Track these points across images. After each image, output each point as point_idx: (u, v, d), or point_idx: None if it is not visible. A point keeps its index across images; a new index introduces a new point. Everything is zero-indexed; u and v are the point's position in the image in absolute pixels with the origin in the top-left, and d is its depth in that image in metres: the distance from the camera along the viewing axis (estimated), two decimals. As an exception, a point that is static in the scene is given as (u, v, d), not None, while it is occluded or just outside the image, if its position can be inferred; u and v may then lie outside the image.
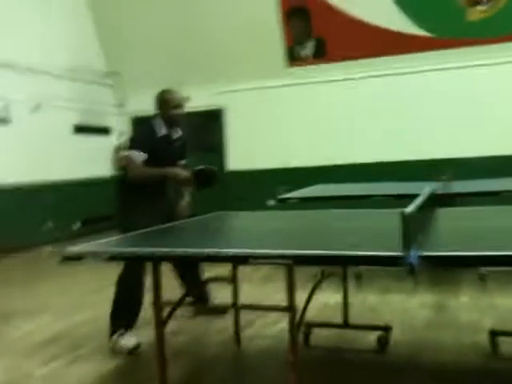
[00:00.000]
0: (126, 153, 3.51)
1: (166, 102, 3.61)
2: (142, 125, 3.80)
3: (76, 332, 3.78)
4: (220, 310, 3.91)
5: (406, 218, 1.86)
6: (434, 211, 3.17)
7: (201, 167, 3.67)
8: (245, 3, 8.61)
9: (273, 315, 3.73)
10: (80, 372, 3.04)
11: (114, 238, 2.81)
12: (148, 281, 2.95)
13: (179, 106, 3.63)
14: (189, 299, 3.63)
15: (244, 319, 3.49)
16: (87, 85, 9.50)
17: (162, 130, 3.61)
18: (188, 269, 3.82)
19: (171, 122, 3.64)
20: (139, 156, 3.45)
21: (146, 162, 3.49)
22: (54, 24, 8.72)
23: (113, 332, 3.38)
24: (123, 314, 3.41)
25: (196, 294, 3.90)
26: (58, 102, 8.73)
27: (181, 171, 3.63)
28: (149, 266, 2.99)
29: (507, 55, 7.65)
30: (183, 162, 3.86)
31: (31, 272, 6.20)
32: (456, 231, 2.71)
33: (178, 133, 3.74)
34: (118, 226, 3.55)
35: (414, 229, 2.02)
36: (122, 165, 3.53)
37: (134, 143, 3.55)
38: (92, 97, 9.61)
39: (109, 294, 3.85)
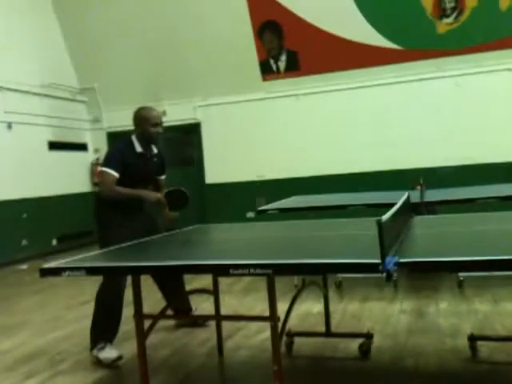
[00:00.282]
0: (101, 169, 3.50)
1: (144, 119, 3.60)
2: (119, 141, 3.76)
3: (56, 348, 3.73)
4: (201, 322, 3.90)
5: (381, 226, 1.89)
6: (409, 219, 3.23)
7: (170, 189, 3.68)
8: (219, 18, 8.70)
9: (255, 326, 3.73)
10: (60, 388, 3.00)
11: (93, 252, 2.80)
12: (129, 294, 2.94)
13: (157, 124, 3.61)
14: (170, 311, 3.61)
15: (226, 330, 3.49)
16: (61, 101, 9.46)
17: (138, 148, 3.59)
18: (169, 281, 3.81)
19: (148, 140, 3.62)
20: (112, 174, 3.42)
21: (122, 178, 3.46)
22: (26, 41, 8.67)
23: (93, 346, 3.36)
24: (103, 328, 3.39)
25: (177, 305, 3.88)
26: (33, 119, 8.67)
27: (152, 193, 3.60)
28: (129, 280, 2.99)
29: (475, 65, 7.86)
30: (163, 177, 3.86)
31: (8, 289, 6.10)
32: (432, 238, 2.76)
33: (154, 150, 3.73)
34: (98, 241, 3.54)
35: (390, 236, 2.06)
36: (98, 181, 3.52)
37: (109, 160, 3.51)
38: (67, 113, 9.56)
39: (87, 309, 3.81)
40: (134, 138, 3.63)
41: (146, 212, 3.75)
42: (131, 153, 3.55)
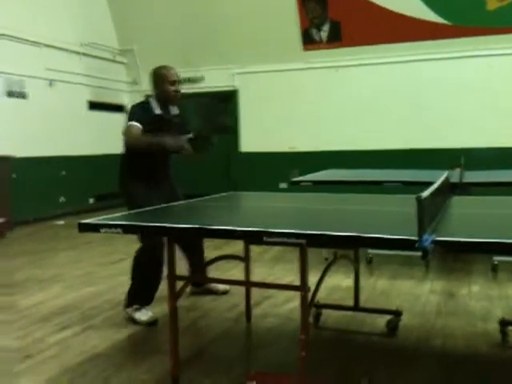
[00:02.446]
0: (126, 124, 3.47)
1: (161, 78, 3.56)
2: (136, 103, 3.73)
3: (88, 303, 3.84)
4: (218, 293, 3.95)
5: (421, 203, 1.85)
6: (448, 199, 3.17)
7: (194, 134, 3.61)
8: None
9: (282, 295, 3.76)
10: (92, 341, 3.09)
11: (129, 211, 2.84)
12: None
13: (175, 81, 3.56)
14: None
15: (254, 298, 3.52)
16: (101, 61, 9.53)
17: (156, 110, 3.55)
18: (192, 250, 3.84)
19: (166, 100, 3.58)
20: (137, 126, 3.40)
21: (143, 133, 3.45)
22: (69, 0, 8.69)
23: (129, 305, 3.43)
24: (141, 292, 3.43)
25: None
26: (73, 78, 8.77)
27: (174, 141, 3.46)
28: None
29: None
30: (189, 135, 3.78)
31: (44, 244, 6.29)
32: (470, 218, 2.70)
33: (174, 110, 3.69)
34: (126, 204, 3.56)
35: (428, 214, 2.02)
36: (122, 134, 3.47)
37: (132, 115, 3.48)
38: (106, 74, 9.64)
39: (120, 267, 3.90)
40: (151, 99, 3.59)
41: (170, 180, 3.75)
42: (150, 115, 3.51)
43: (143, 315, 3.37)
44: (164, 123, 3.59)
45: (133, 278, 3.46)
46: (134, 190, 3.53)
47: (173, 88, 3.56)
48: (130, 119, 3.46)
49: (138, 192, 3.49)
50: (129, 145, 3.46)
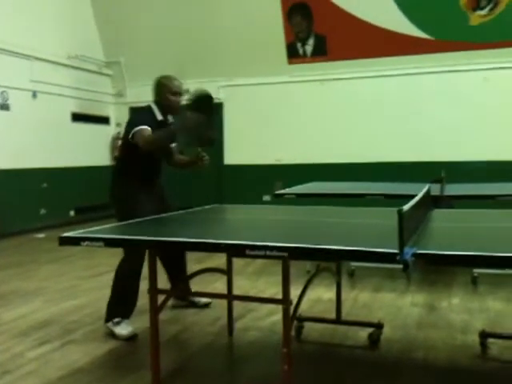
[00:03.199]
0: (136, 129, 3.40)
1: (164, 87, 3.57)
2: (139, 109, 3.73)
3: (69, 317, 3.80)
4: (200, 305, 3.94)
5: (402, 216, 1.87)
6: (429, 211, 3.20)
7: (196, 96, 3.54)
8: (248, -2, 8.61)
9: (265, 308, 3.76)
10: (72, 355, 3.05)
11: (111, 225, 2.83)
12: (144, 269, 2.97)
13: (177, 93, 3.57)
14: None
15: (236, 311, 3.51)
16: (87, 73, 9.50)
17: (159, 116, 3.57)
18: (174, 263, 3.83)
19: (167, 109, 3.59)
20: (148, 129, 3.36)
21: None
22: (53, 12, 8.69)
23: (109, 319, 3.40)
24: (121, 304, 3.41)
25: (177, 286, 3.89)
26: (58, 90, 8.73)
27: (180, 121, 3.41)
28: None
29: (507, 60, 7.69)
30: (173, 145, 3.79)
31: (25, 256, 6.20)
32: (451, 231, 2.74)
33: (170, 119, 3.68)
34: (115, 214, 3.55)
35: (409, 226, 2.04)
36: (135, 142, 3.40)
37: (139, 121, 3.43)
38: (91, 86, 9.61)
39: (102, 281, 3.87)
40: (153, 105, 3.60)
41: (160, 186, 3.76)
42: (152, 120, 3.50)
43: (123, 329, 3.34)
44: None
45: (113, 289, 3.44)
46: (126, 197, 3.51)
47: (174, 99, 3.57)
48: (137, 124, 3.41)
49: (129, 208, 3.45)
50: (147, 144, 3.34)
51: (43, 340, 3.32)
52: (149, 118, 3.50)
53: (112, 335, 3.34)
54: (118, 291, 3.42)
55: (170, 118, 3.68)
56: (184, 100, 3.63)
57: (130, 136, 3.37)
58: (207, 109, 3.39)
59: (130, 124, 3.48)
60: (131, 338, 3.30)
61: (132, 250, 3.24)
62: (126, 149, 3.57)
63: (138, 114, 3.59)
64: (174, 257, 3.84)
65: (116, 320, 3.37)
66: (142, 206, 3.40)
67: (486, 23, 7.76)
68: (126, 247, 3.18)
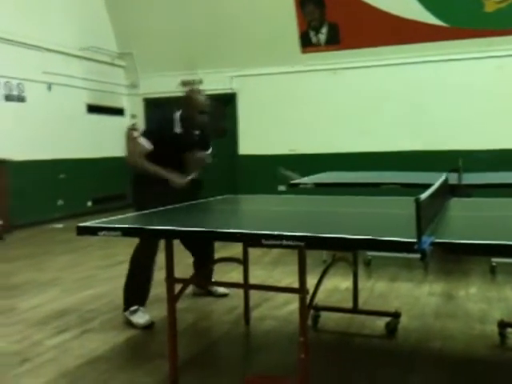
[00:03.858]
0: (136, 134, 3.47)
1: (192, 103, 3.51)
2: (163, 114, 3.69)
3: (86, 306, 3.84)
4: (216, 295, 3.96)
5: (420, 204, 1.85)
6: (447, 201, 3.17)
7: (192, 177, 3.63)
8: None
9: (281, 298, 3.76)
10: (90, 344, 3.09)
11: (128, 214, 2.85)
12: (160, 259, 2.98)
13: (204, 111, 3.54)
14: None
15: (253, 300, 3.52)
16: (100, 65, 9.53)
17: (178, 129, 3.54)
18: (200, 251, 3.85)
19: (190, 125, 3.56)
20: (144, 146, 3.40)
21: (156, 149, 3.45)
22: (66, 4, 8.71)
23: (126, 308, 3.44)
24: (136, 291, 3.45)
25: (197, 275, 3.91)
26: (72, 81, 8.77)
27: (177, 178, 3.51)
28: (161, 245, 3.02)
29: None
30: (208, 151, 3.79)
31: (42, 247, 6.28)
32: (468, 220, 2.71)
33: (192, 134, 3.63)
34: (133, 205, 3.58)
35: (427, 215, 2.02)
36: (128, 146, 3.48)
37: (147, 130, 3.48)
38: (105, 77, 9.64)
39: (118, 270, 3.90)
40: (177, 116, 3.56)
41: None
42: (169, 131, 3.50)
43: (140, 318, 3.37)
44: (182, 142, 3.56)
45: (128, 277, 3.48)
46: (145, 196, 3.52)
47: (200, 118, 3.53)
48: (146, 131, 3.43)
49: (148, 200, 3.46)
50: (131, 163, 3.45)
51: (61, 329, 3.36)
52: (164, 127, 3.52)
53: (130, 324, 3.37)
54: (132, 279, 3.46)
55: (197, 132, 3.63)
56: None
57: (130, 129, 3.41)
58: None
59: (146, 126, 3.49)
60: (148, 327, 3.34)
61: (146, 238, 3.26)
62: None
63: (155, 119, 3.57)
64: (199, 245, 3.84)
65: (133, 309, 3.41)
66: (159, 199, 3.40)
67: (502, 9, 7.63)
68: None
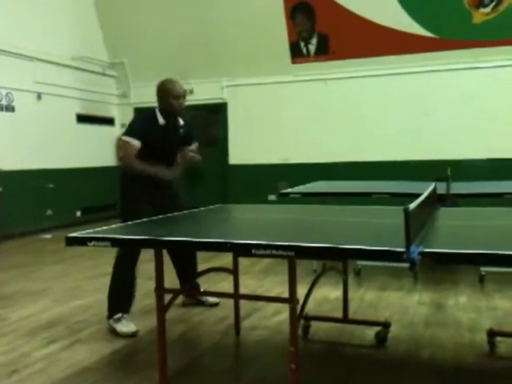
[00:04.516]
0: (124, 138, 3.51)
1: (166, 91, 3.59)
2: (142, 112, 3.79)
3: (75, 317, 3.81)
4: (207, 302, 3.95)
5: (408, 214, 1.86)
6: (435, 210, 3.19)
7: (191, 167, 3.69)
8: (251, -3, 8.62)
9: (272, 308, 3.76)
10: (79, 355, 3.07)
11: (117, 225, 2.84)
12: (150, 268, 2.97)
13: (179, 96, 3.59)
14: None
15: (243, 310, 3.52)
16: (91, 75, 9.52)
17: (161, 120, 3.60)
18: (184, 260, 3.85)
19: (170, 113, 3.62)
20: (133, 144, 3.44)
21: (144, 149, 3.49)
22: (57, 14, 8.72)
23: (110, 316, 3.44)
24: (119, 299, 3.47)
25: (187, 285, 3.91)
26: (62, 91, 8.75)
27: (167, 173, 3.62)
28: (148, 255, 3.01)
29: (510, 58, 7.66)
30: (192, 146, 3.86)
31: (31, 257, 6.23)
32: (457, 230, 2.72)
33: (179, 122, 3.74)
34: (120, 214, 3.59)
35: (415, 225, 2.04)
36: (119, 151, 3.53)
37: (132, 130, 3.53)
38: (96, 87, 9.63)
39: (107, 281, 3.84)
40: (157, 110, 3.63)
41: (171, 187, 3.78)
42: (154, 125, 3.55)
43: (124, 326, 3.37)
44: (168, 134, 3.62)
45: (111, 285, 3.50)
46: (131, 204, 3.55)
47: (176, 102, 3.58)
48: (127, 133, 3.48)
49: (134, 208, 3.48)
50: (124, 164, 3.49)
51: (50, 339, 3.33)
52: (148, 124, 3.56)
53: (114, 332, 3.37)
54: (115, 287, 3.48)
55: (177, 121, 3.70)
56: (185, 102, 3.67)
57: (119, 138, 3.44)
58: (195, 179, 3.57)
59: (128, 127, 3.57)
60: (133, 335, 3.33)
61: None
62: None
63: (139, 120, 3.65)
64: (183, 255, 3.85)
65: (116, 316, 3.41)
66: (143, 206, 3.42)
67: (490, 21, 7.73)
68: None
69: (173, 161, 3.80)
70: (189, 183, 3.62)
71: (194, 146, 3.89)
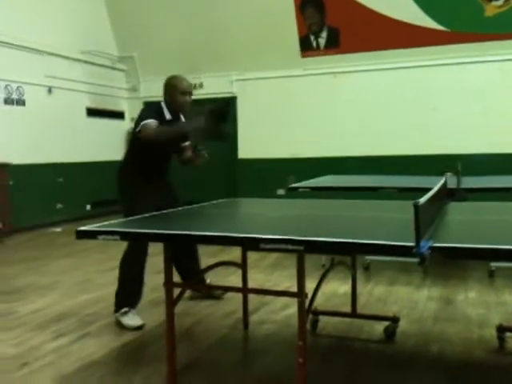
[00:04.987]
0: (142, 122, 3.43)
1: (173, 87, 3.59)
2: (149, 105, 3.77)
3: (85, 310, 3.83)
4: (215, 295, 3.96)
5: (418, 209, 1.85)
6: (445, 204, 3.17)
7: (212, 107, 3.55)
8: (261, -9, 8.58)
9: (280, 302, 3.76)
10: (88, 348, 3.09)
11: (127, 218, 2.84)
12: (158, 263, 2.98)
13: (185, 92, 3.59)
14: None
15: (251, 304, 3.52)
16: (101, 69, 9.55)
17: (167, 115, 3.60)
18: (185, 257, 3.85)
19: (176, 108, 3.62)
20: (155, 122, 3.39)
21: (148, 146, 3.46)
22: (67, 8, 8.73)
23: (117, 309, 3.47)
24: (127, 294, 3.48)
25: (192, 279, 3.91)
26: (72, 85, 8.78)
27: (192, 123, 3.39)
28: (154, 248, 3.02)
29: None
30: (186, 143, 3.83)
31: (41, 250, 6.27)
32: (467, 224, 2.70)
33: (181, 119, 3.72)
34: (122, 209, 3.61)
35: (425, 220, 2.02)
36: (140, 135, 3.43)
37: (146, 115, 3.45)
38: (105, 81, 9.66)
39: (117, 274, 3.88)
40: (163, 104, 3.63)
41: (168, 181, 3.78)
42: (160, 118, 3.53)
43: (130, 320, 3.40)
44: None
45: (119, 280, 3.51)
46: (133, 191, 3.56)
47: (183, 98, 3.58)
48: (144, 118, 3.43)
49: (136, 194, 3.51)
50: (150, 139, 3.36)
51: (60, 333, 3.35)
52: (157, 114, 3.53)
53: (120, 325, 3.40)
54: (123, 281, 3.50)
55: (180, 118, 3.70)
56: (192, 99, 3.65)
57: (138, 129, 3.40)
58: (221, 117, 3.37)
59: (139, 118, 3.51)
60: (138, 329, 3.36)
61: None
62: (134, 143, 3.65)
63: (148, 109, 3.64)
64: (185, 251, 3.85)
65: (123, 310, 3.43)
66: (143, 200, 3.42)
67: (502, 14, 7.64)
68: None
69: (170, 157, 3.79)
70: (215, 122, 3.42)
71: (188, 143, 3.84)
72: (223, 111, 3.36)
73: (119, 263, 3.52)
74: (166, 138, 3.43)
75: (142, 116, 3.48)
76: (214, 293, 3.98)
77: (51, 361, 2.90)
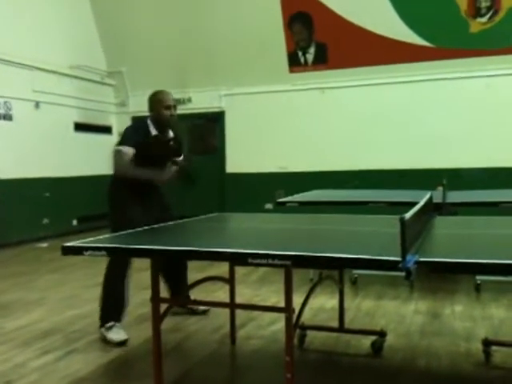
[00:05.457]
0: (117, 148, 3.53)
1: (157, 102, 3.64)
2: (134, 122, 3.82)
3: (71, 326, 3.79)
4: (198, 311, 3.94)
5: (404, 223, 1.87)
6: (432, 219, 3.20)
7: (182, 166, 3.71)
8: (250, 7, 8.67)
9: (267, 317, 3.75)
10: (74, 365, 3.05)
11: (113, 234, 2.83)
12: (146, 278, 2.97)
13: (169, 106, 3.63)
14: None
15: (239, 319, 3.51)
16: (89, 83, 9.54)
17: (153, 131, 3.62)
18: (173, 272, 3.84)
19: (161, 123, 3.65)
20: (128, 152, 3.45)
21: (137, 158, 3.50)
22: (55, 23, 8.75)
23: (102, 324, 3.44)
24: (110, 308, 3.46)
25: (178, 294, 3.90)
26: (60, 100, 8.77)
27: (164, 174, 3.65)
28: (140, 264, 3.01)
29: (507, 67, 7.71)
30: (180, 158, 3.86)
31: (27, 266, 6.21)
32: (453, 239, 2.73)
33: (170, 134, 3.75)
34: (109, 223, 3.60)
35: (411, 234, 2.04)
36: (113, 160, 3.52)
37: (125, 138, 3.54)
38: (94, 95, 9.65)
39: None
40: (149, 121, 3.67)
41: (160, 194, 3.79)
42: (146, 135, 3.57)
43: (114, 334, 3.37)
44: (160, 144, 3.64)
45: (102, 294, 3.49)
46: (124, 205, 3.56)
47: (167, 112, 3.62)
48: (121, 143, 3.50)
49: (127, 208, 3.51)
50: (116, 171, 3.50)
51: (46, 349, 3.31)
52: (140, 132, 3.58)
53: (104, 340, 3.37)
54: (106, 296, 3.48)
55: (168, 133, 3.72)
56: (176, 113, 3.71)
57: (113, 150, 3.46)
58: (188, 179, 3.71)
59: (121, 137, 3.59)
60: (122, 343, 3.33)
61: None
62: None
63: (130, 130, 3.67)
64: (173, 265, 3.84)
65: (108, 325, 3.41)
66: (134, 214, 3.43)
67: (487, 31, 7.79)
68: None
69: (164, 167, 3.81)
70: (182, 184, 3.63)
71: (182, 159, 3.88)
72: (190, 176, 3.57)
73: (103, 277, 3.50)
74: (130, 177, 3.51)
75: (123, 138, 3.56)
76: (197, 309, 3.95)
77: (36, 379, 2.86)
